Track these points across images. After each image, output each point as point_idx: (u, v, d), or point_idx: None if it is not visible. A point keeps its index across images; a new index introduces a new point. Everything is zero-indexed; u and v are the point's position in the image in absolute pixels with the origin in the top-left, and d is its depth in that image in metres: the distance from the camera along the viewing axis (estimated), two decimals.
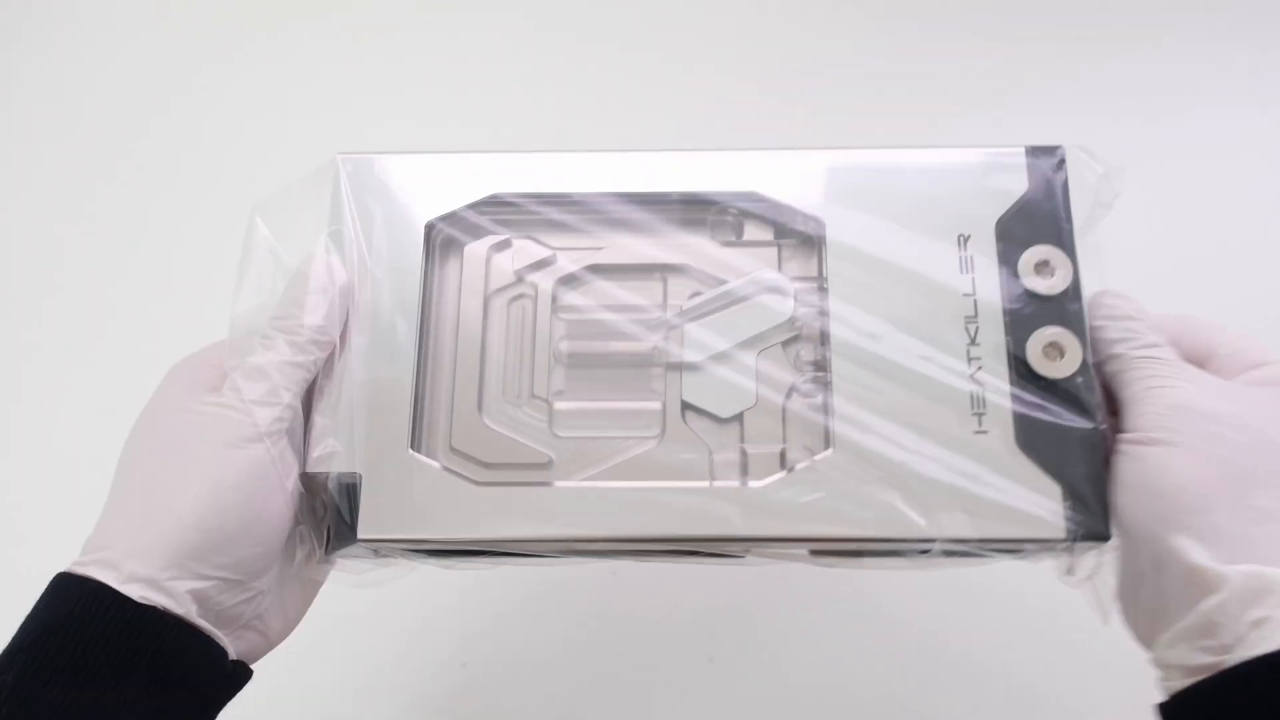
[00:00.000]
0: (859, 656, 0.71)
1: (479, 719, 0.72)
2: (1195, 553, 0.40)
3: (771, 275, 0.50)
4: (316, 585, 0.49)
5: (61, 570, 0.42)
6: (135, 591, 0.40)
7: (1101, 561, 0.46)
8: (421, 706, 0.72)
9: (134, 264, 0.86)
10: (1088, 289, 0.47)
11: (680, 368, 0.50)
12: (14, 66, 0.96)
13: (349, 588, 0.50)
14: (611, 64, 0.92)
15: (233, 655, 0.44)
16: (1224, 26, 0.90)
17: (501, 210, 0.51)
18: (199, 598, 0.42)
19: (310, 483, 0.47)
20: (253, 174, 0.85)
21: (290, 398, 0.45)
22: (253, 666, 0.46)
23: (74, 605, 0.40)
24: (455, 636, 0.73)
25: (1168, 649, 0.41)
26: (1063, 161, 0.49)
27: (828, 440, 0.47)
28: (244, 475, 0.43)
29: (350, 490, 0.46)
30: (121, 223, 0.88)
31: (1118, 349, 0.45)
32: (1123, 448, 0.44)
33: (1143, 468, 0.42)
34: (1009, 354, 0.47)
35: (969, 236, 0.48)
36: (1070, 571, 0.46)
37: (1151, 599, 0.42)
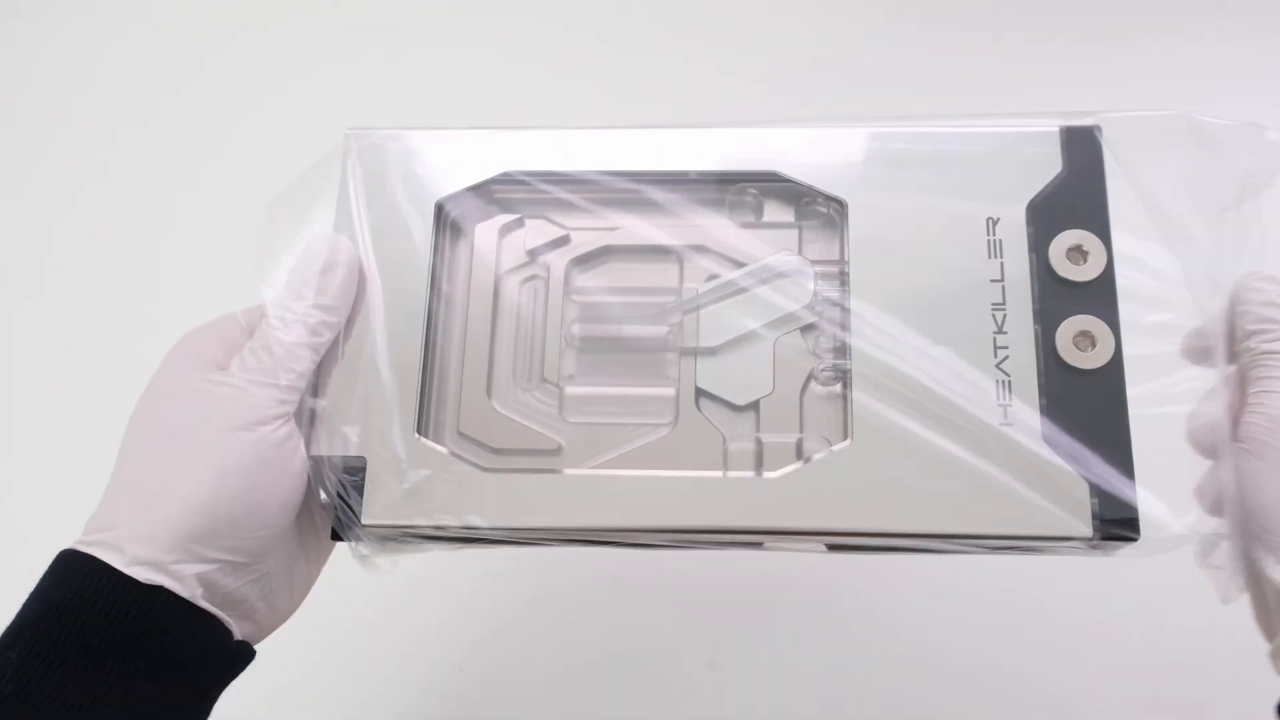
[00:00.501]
0: (861, 660, 0.71)
1: None
2: (1278, 573, 0.40)
3: (791, 258, 0.49)
4: (322, 562, 0.49)
5: (66, 548, 0.41)
6: (140, 574, 0.40)
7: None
8: (419, 711, 0.71)
9: (132, 264, 0.86)
10: (1240, 267, 0.45)
11: (695, 353, 0.48)
12: (8, 65, 0.95)
13: (371, 572, 0.49)
14: (613, 64, 0.91)
15: (237, 636, 0.44)
16: (1226, 26, 0.88)
17: (514, 188, 0.50)
18: (204, 581, 0.41)
19: (316, 465, 0.46)
20: (252, 174, 0.84)
21: (297, 379, 0.44)
22: (257, 657, 0.46)
23: (80, 584, 0.40)
24: (455, 641, 0.72)
25: (1274, 659, 0.41)
26: (1100, 141, 0.47)
27: (846, 430, 0.45)
28: (249, 459, 0.42)
29: (356, 475, 0.45)
30: (119, 222, 0.88)
31: (1250, 341, 0.43)
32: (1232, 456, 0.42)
33: (1240, 481, 0.41)
34: (1038, 343, 0.45)
35: (998, 219, 0.46)
36: (1205, 557, 0.44)
37: (1259, 607, 0.42)
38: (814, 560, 0.71)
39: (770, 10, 0.93)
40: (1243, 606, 0.59)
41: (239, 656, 0.44)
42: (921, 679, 0.70)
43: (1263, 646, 0.42)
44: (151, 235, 0.87)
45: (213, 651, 0.43)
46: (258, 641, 0.46)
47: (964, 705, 0.69)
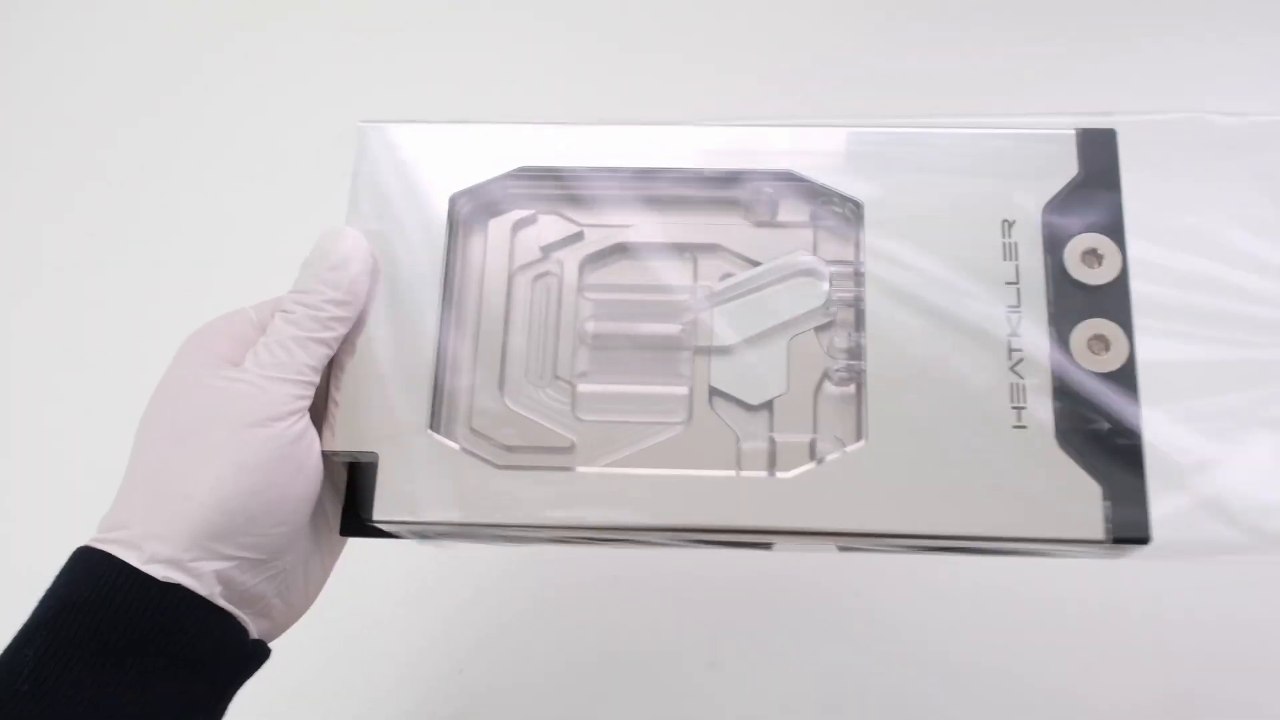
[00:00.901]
0: (861, 660, 0.70)
1: None
2: None
3: (806, 258, 0.49)
4: (335, 557, 0.49)
5: (83, 545, 0.41)
6: (158, 572, 0.40)
7: None
8: (421, 711, 0.71)
9: (132, 264, 0.86)
10: None
11: (709, 352, 0.48)
12: (7, 65, 0.95)
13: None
14: (613, 64, 0.91)
15: (254, 634, 0.44)
16: (1226, 26, 0.89)
17: (529, 184, 0.50)
18: (222, 578, 0.41)
19: (329, 461, 0.45)
20: (252, 174, 0.85)
21: (312, 374, 0.44)
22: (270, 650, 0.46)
23: (97, 582, 0.40)
24: (453, 643, 0.72)
25: None
26: (1115, 145, 0.47)
27: (860, 431, 0.45)
28: (265, 455, 0.42)
29: (368, 470, 0.45)
30: (119, 222, 0.88)
31: None
32: None
33: None
34: (1051, 346, 0.45)
35: (1014, 222, 0.46)
36: None
37: None
38: (814, 561, 0.71)
39: (770, 10, 0.93)
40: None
41: (255, 655, 0.44)
42: (922, 679, 0.70)
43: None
44: (151, 235, 0.86)
45: (230, 650, 0.43)
46: (272, 640, 0.46)
47: (964, 706, 0.69)
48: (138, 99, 0.92)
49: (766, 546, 0.46)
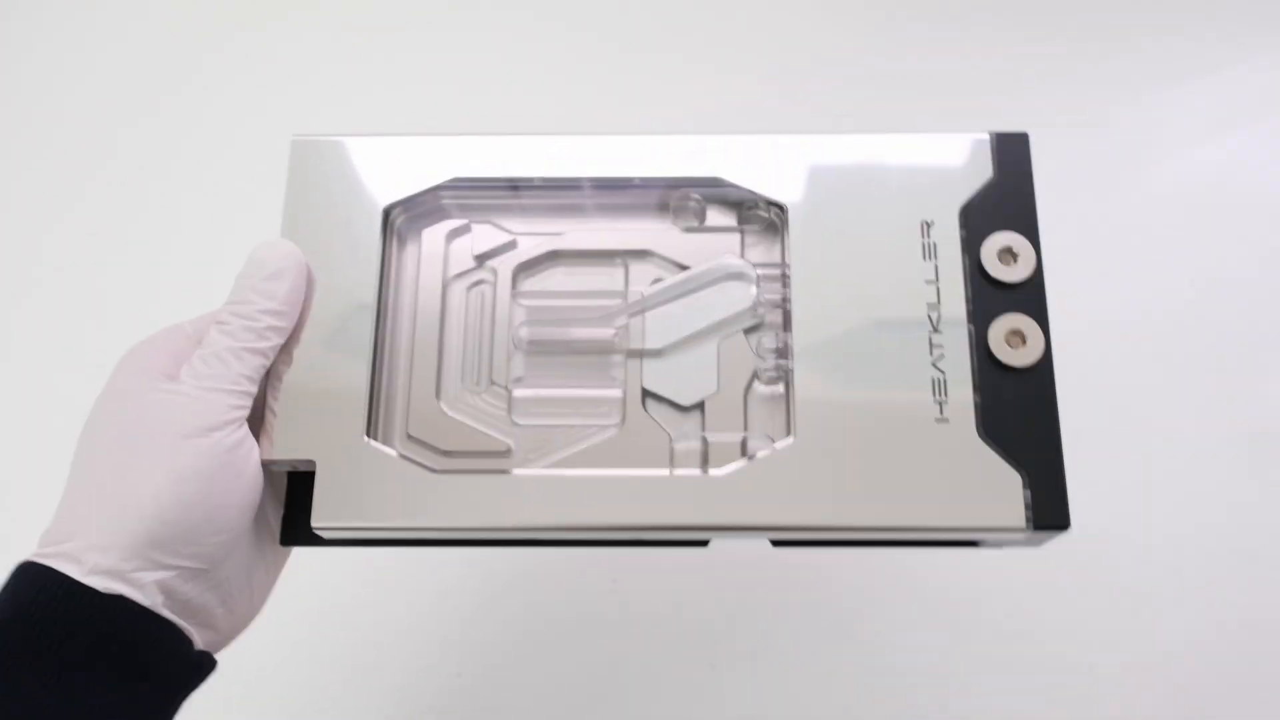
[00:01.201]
0: (862, 661, 0.71)
1: None
2: None
3: (734, 262, 0.50)
4: (280, 566, 0.49)
5: (24, 559, 0.42)
6: (99, 583, 0.40)
7: None
8: (410, 714, 0.72)
9: (132, 264, 0.87)
10: None
11: (641, 355, 0.49)
12: (7, 65, 0.96)
13: None
14: (613, 64, 0.91)
15: (198, 645, 0.44)
16: (1226, 26, 0.89)
17: (461, 194, 0.51)
18: (164, 588, 0.42)
19: (270, 470, 0.47)
20: (252, 174, 0.85)
21: (248, 384, 0.45)
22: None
23: (39, 595, 0.40)
24: (448, 644, 0.73)
25: None
26: (1028, 148, 0.48)
27: (789, 428, 0.46)
28: (204, 465, 0.42)
29: (307, 480, 0.46)
30: (119, 222, 0.89)
31: None
32: None
33: None
34: (971, 342, 0.46)
35: (932, 223, 0.47)
36: None
37: None
38: (814, 561, 0.72)
39: (770, 10, 0.93)
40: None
41: (201, 666, 0.45)
42: (922, 679, 0.71)
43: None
44: (151, 235, 0.87)
45: (175, 660, 0.43)
46: (218, 650, 0.46)
47: (966, 707, 0.70)
48: (138, 99, 0.93)
49: (703, 544, 0.47)
